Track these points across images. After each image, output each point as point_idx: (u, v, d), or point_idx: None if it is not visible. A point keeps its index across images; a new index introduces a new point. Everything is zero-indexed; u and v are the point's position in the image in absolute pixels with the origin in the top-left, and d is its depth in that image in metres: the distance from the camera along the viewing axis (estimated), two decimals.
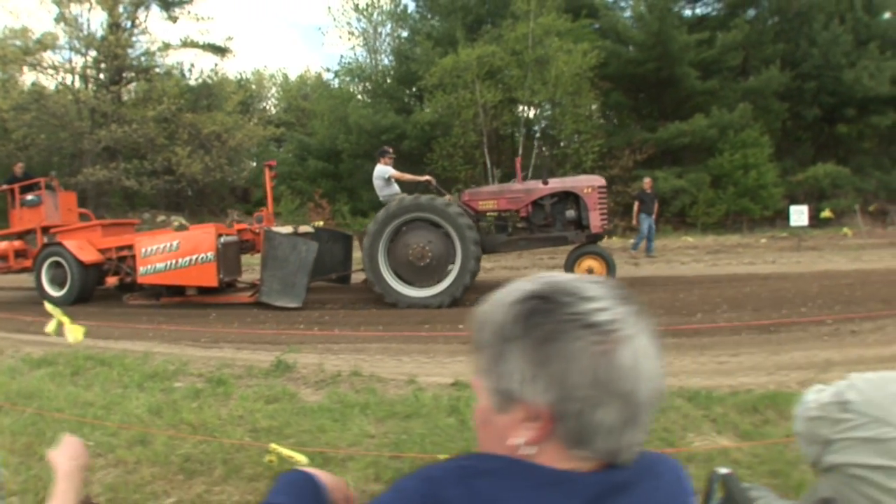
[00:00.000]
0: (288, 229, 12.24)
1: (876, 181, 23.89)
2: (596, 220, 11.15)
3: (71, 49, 27.05)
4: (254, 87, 36.21)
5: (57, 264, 12.95)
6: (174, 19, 29.59)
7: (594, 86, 22.18)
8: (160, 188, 25.82)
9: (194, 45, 29.61)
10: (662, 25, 21.33)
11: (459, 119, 20.97)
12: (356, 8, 27.24)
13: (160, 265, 11.99)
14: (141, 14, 28.60)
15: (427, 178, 11.90)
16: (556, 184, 11.40)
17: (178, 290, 12.51)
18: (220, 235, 11.88)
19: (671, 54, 21.90)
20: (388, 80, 24.46)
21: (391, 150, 12.58)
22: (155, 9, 29.84)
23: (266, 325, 10.72)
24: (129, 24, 28.32)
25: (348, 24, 30.43)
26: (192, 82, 30.22)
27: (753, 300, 10.72)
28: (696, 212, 22.02)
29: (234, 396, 6.36)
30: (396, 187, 11.60)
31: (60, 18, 26.17)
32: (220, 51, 30.24)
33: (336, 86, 27.19)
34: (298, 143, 26.93)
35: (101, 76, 27.54)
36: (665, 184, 21.43)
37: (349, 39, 33.45)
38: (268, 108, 36.42)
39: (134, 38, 28.49)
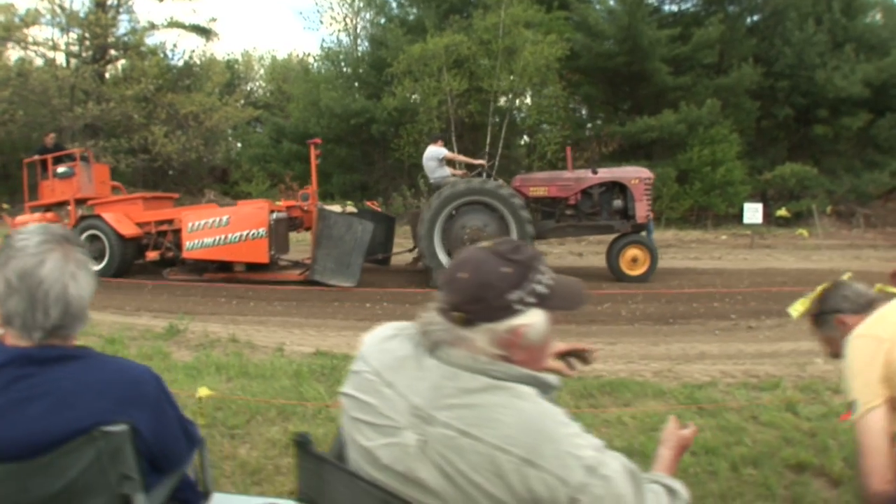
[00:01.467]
0: (337, 209, 12.28)
1: (849, 183, 23.88)
2: (642, 211, 11.56)
3: (54, 26, 27.31)
4: (242, 68, 36.32)
5: (94, 238, 12.58)
6: None
7: (563, 78, 22.28)
8: (137, 167, 25.99)
9: (179, 25, 29.82)
10: (632, 20, 21.36)
11: (424, 106, 21.04)
12: None
13: (208, 240, 11.79)
14: None
15: (481, 161, 12.41)
16: (605, 174, 11.84)
17: (224, 267, 12.33)
18: (271, 212, 11.78)
19: (642, 49, 21.92)
20: (362, 66, 24.53)
21: (443, 135, 12.76)
22: None
23: (192, 297, 11.05)
24: (115, 1, 28.55)
25: (331, 8, 30.59)
26: (176, 63, 30.44)
27: (671, 294, 10.88)
28: (660, 206, 22.05)
29: (116, 353, 6.66)
30: (448, 169, 11.86)
31: None
32: (204, 32, 30.43)
33: (316, 70, 27.25)
34: (273, 125, 27.10)
35: (83, 54, 27.75)
36: None
37: (330, 24, 33.33)
38: (254, 89, 36.51)
39: (119, 18, 28.72)
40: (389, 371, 1.53)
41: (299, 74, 27.75)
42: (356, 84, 24.10)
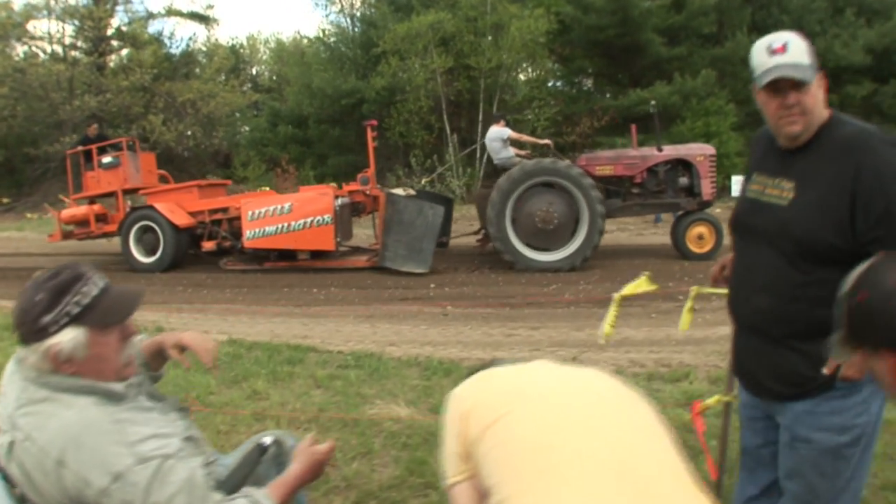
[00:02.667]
0: (400, 192, 12.07)
1: None
2: (707, 188, 11.54)
3: (51, 19, 27.52)
4: (247, 51, 36.40)
5: (147, 229, 12.42)
6: None
7: (553, 52, 22.03)
8: None
9: (177, 13, 29.95)
10: None
11: (411, 85, 20.94)
12: None
13: (270, 228, 11.57)
14: None
15: (547, 141, 12.35)
16: (670, 151, 11.86)
17: (286, 255, 12.14)
18: (335, 197, 11.61)
19: (633, 20, 21.57)
20: (352, 46, 24.47)
21: (506, 115, 12.71)
22: None
23: (153, 287, 11.14)
24: None
25: None
26: (174, 51, 30.57)
27: (629, 272, 10.72)
28: None
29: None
30: (512, 150, 11.76)
31: None
32: (203, 19, 30.53)
33: (312, 52, 27.24)
34: (269, 108, 27.15)
35: (81, 45, 28.00)
36: None
37: (326, 6, 33.24)
38: (260, 72, 36.56)
39: (117, 8, 28.90)
40: (5, 381, 1.85)
41: (294, 57, 27.67)
42: (346, 65, 23.95)
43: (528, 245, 11.08)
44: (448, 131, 21.68)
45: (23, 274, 12.77)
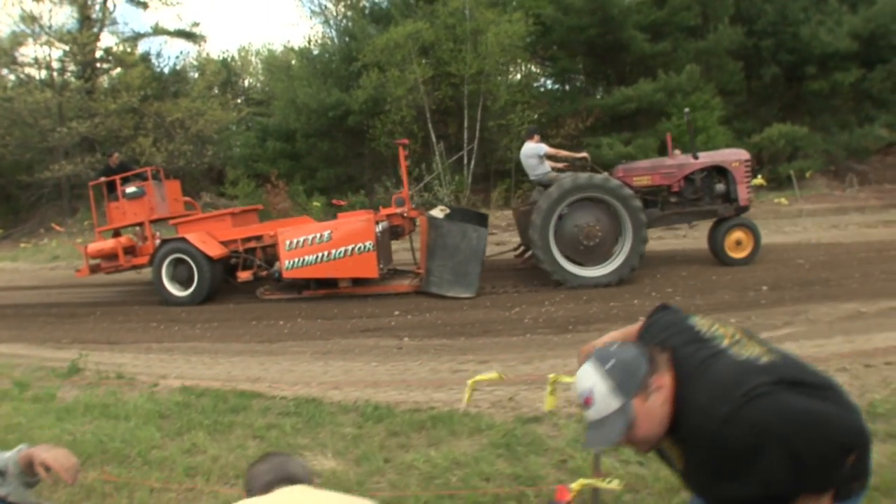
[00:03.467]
0: (438, 213, 11.93)
1: (844, 140, 23.12)
2: (743, 193, 11.61)
3: (41, 44, 27.67)
4: (239, 64, 36.43)
5: (179, 261, 12.11)
6: (144, 5, 29.98)
7: (535, 55, 21.96)
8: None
9: (164, 32, 30.02)
10: None
11: (392, 96, 20.93)
12: None
13: (309, 258, 11.30)
14: (110, 3, 29.12)
15: (584, 154, 12.26)
16: (706, 158, 11.81)
17: (326, 282, 11.85)
18: (376, 223, 11.39)
19: (613, 18, 21.46)
20: (334, 59, 24.46)
21: (538, 129, 12.71)
22: None
23: (128, 324, 11.23)
24: (99, 14, 28.83)
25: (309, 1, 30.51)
26: (164, 69, 30.65)
27: (595, 291, 10.71)
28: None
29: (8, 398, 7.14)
30: (548, 165, 11.69)
31: (26, 17, 26.71)
32: (190, 36, 30.60)
33: (295, 65, 27.26)
34: (258, 124, 27.24)
35: (70, 69, 28.15)
36: (610, 151, 21.09)
37: (310, 18, 33.21)
38: (252, 84, 36.57)
39: (106, 30, 29.05)
40: None
41: (281, 70, 27.70)
42: (329, 78, 23.95)
43: (571, 261, 11.05)
44: (434, 139, 21.62)
45: (11, 312, 12.87)
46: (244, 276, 12.20)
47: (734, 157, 11.82)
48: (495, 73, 21.27)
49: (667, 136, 13.20)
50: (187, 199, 15.00)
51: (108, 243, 13.19)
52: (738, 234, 11.54)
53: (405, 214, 12.12)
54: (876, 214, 17.39)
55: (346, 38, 24.83)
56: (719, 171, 11.74)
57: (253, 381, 7.42)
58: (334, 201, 17.77)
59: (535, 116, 21.56)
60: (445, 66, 21.20)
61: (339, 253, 11.14)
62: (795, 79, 24.24)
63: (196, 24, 33.87)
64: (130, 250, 13.15)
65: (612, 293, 10.41)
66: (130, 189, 13.20)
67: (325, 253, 11.20)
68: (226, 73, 33.48)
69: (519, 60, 22.08)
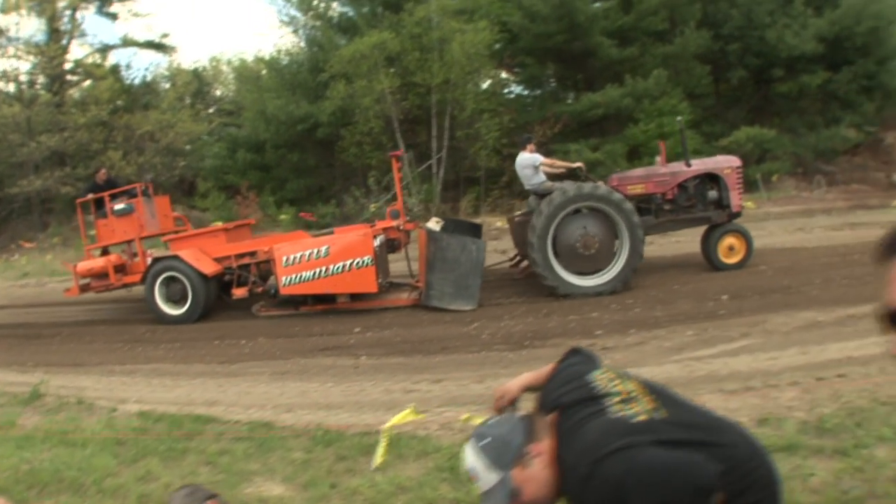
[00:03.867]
0: (434, 225, 11.65)
1: (811, 142, 23.38)
2: (736, 199, 11.63)
3: (8, 57, 27.49)
4: (210, 73, 36.28)
5: (172, 279, 11.81)
6: (113, 17, 29.83)
7: (502, 62, 22.04)
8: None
9: (134, 43, 29.87)
10: None
11: (359, 107, 20.93)
12: None
13: (307, 274, 11.00)
14: (79, 14, 28.94)
15: (579, 164, 12.01)
16: (699, 165, 11.80)
17: (323, 298, 11.57)
18: (374, 236, 11.14)
19: (579, 25, 21.57)
20: (302, 69, 24.45)
21: (533, 137, 12.52)
22: (93, 8, 29.86)
23: (94, 344, 11.17)
24: (68, 26, 28.65)
25: (278, 11, 30.47)
26: (134, 81, 30.50)
27: (555, 304, 10.75)
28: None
29: None
30: (543, 175, 11.50)
31: None
32: (160, 47, 30.47)
33: (264, 76, 27.21)
34: (228, 135, 27.21)
35: (40, 81, 27.96)
36: (579, 157, 21.20)
37: (279, 27, 33.18)
38: (224, 94, 36.43)
39: (75, 42, 28.87)
40: None
41: (250, 81, 27.64)
42: (298, 90, 23.92)
43: (569, 271, 11.00)
44: (403, 149, 21.63)
45: None
46: (239, 292, 11.92)
47: (726, 164, 11.87)
48: (462, 82, 21.27)
49: (660, 144, 13.23)
50: (177, 214, 14.73)
51: (98, 262, 12.89)
52: (730, 240, 11.61)
53: (401, 227, 11.98)
54: (842, 216, 17.48)
55: (314, 49, 24.76)
56: (711, 178, 11.77)
57: (210, 405, 7.38)
58: (302, 214, 17.73)
59: (501, 124, 21.63)
60: (412, 75, 21.23)
61: (338, 268, 10.94)
62: (763, 81, 24.49)
63: (165, 35, 33.60)
64: (121, 268, 12.83)
65: (571, 306, 10.40)
66: (119, 206, 12.72)
67: (323, 268, 10.97)
68: (197, 83, 33.35)
69: (485, 68, 22.03)
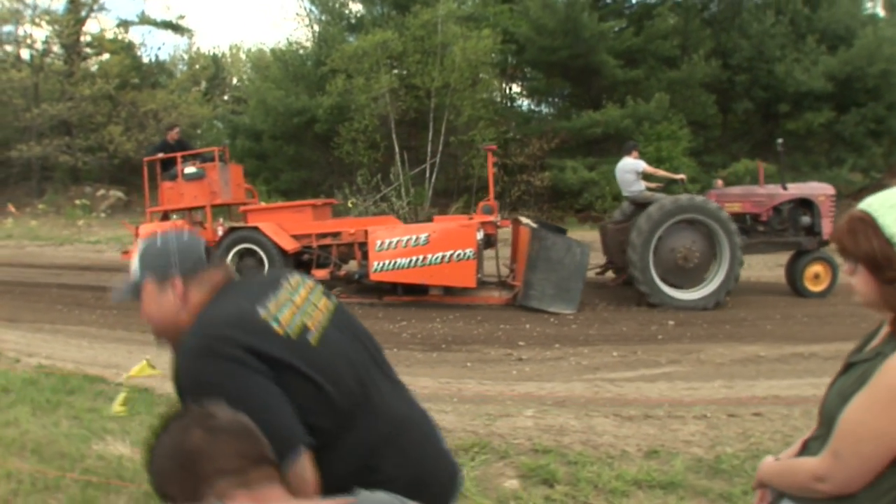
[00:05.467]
0: (532, 223, 11.35)
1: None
2: (828, 227, 11.48)
3: (26, 23, 27.74)
4: (230, 61, 36.53)
5: (246, 253, 11.05)
6: None
7: (505, 73, 21.95)
8: (97, 163, 26.29)
9: (151, 22, 30.07)
10: (570, 12, 20.82)
11: (355, 105, 20.91)
12: None
13: (402, 261, 10.44)
14: None
15: (682, 176, 12.17)
16: (794, 190, 11.77)
17: (413, 289, 11.04)
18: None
19: (585, 42, 21.38)
20: (308, 62, 24.50)
21: (638, 144, 12.58)
22: None
23: (41, 302, 11.32)
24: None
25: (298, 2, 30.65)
26: (147, 60, 30.72)
27: (490, 310, 10.60)
28: (602, 205, 21.42)
29: None
30: (643, 184, 11.51)
31: None
32: (177, 28, 30.68)
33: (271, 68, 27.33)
34: (230, 121, 27.30)
35: (55, 50, 28.22)
36: (574, 175, 21.08)
37: (295, 20, 33.37)
38: (241, 82, 36.68)
39: (93, 15, 29.11)
40: None
41: (256, 71, 27.76)
42: (300, 83, 23.98)
43: (663, 281, 10.83)
44: (398, 150, 21.57)
45: None
46: (320, 274, 11.06)
47: (821, 191, 11.80)
48: (461, 88, 21.17)
49: (759, 165, 13.16)
50: (249, 186, 13.85)
51: (164, 226, 11.54)
52: (816, 268, 11.47)
53: (498, 224, 11.53)
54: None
55: (322, 43, 24.81)
56: (805, 204, 11.69)
57: (106, 367, 7.41)
58: None
59: (497, 134, 21.52)
60: (412, 77, 21.19)
61: (436, 259, 10.34)
62: (770, 116, 24.20)
63: (182, 17, 33.82)
64: None
65: (511, 315, 10.23)
66: (189, 169, 11.89)
67: (421, 257, 10.40)
68: (214, 69, 33.53)
69: (485, 76, 21.94)
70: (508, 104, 24.91)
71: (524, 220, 11.90)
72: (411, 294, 11.06)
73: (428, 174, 21.79)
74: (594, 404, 6.18)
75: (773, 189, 11.76)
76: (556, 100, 25.33)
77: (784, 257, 14.60)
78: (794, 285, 11.59)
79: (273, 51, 27.06)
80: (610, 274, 12.38)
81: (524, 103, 26.58)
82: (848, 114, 22.99)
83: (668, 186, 12.83)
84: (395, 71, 21.48)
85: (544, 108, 25.79)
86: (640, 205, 11.16)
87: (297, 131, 23.31)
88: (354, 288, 11.65)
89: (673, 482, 4.26)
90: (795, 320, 9.81)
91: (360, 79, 20.80)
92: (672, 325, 9.61)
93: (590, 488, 4.20)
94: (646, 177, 11.76)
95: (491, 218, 11.31)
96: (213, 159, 12.16)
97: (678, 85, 22.67)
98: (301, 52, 25.75)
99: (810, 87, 22.05)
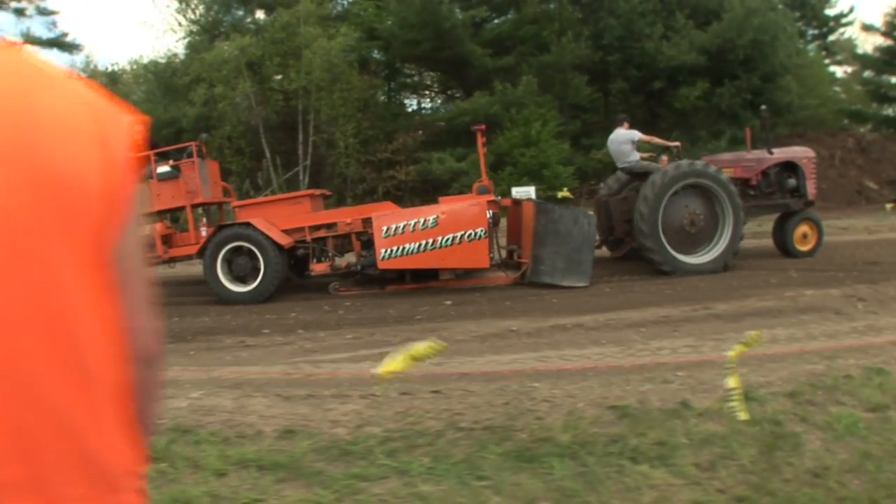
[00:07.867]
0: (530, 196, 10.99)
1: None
2: (812, 188, 11.84)
3: None
4: (129, 77, 36.08)
5: (238, 251, 10.30)
6: (20, 12, 29.48)
7: (365, 69, 21.75)
8: None
9: (36, 41, 29.54)
10: (428, 4, 20.64)
11: (216, 112, 20.71)
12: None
13: (410, 246, 9.84)
14: None
15: (676, 143, 11.84)
16: (780, 154, 11.92)
17: (421, 275, 10.50)
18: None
19: (447, 33, 21.24)
20: (178, 73, 24.24)
21: (627, 116, 12.10)
22: None
23: None
24: None
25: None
26: None
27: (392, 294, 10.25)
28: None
29: None
30: (637, 154, 11.25)
31: None
32: (65, 46, 30.22)
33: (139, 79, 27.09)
34: None
35: None
36: (441, 166, 20.91)
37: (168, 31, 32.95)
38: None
39: None
40: None
41: (129, 85, 27.49)
42: (168, 94, 23.76)
43: (673, 248, 10.71)
44: (268, 155, 21.40)
45: None
46: (320, 268, 10.64)
47: (803, 154, 12.10)
48: (319, 89, 21.00)
49: (747, 130, 13.03)
50: (224, 184, 12.85)
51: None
52: (804, 228, 11.73)
53: (499, 202, 11.14)
54: None
55: (193, 53, 24.57)
56: (790, 167, 11.91)
57: None
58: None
59: (359, 130, 21.37)
60: (269, 81, 21.01)
61: (447, 241, 9.78)
62: (650, 94, 24.17)
63: (65, 35, 33.14)
64: (167, 240, 11.09)
65: (424, 297, 9.94)
66: (162, 168, 10.94)
67: (431, 241, 9.80)
68: (108, 84, 33.13)
69: (345, 75, 21.76)
70: (373, 100, 24.56)
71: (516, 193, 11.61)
72: (419, 281, 10.56)
73: (301, 176, 21.62)
74: (272, 386, 5.79)
75: (761, 154, 11.89)
76: (430, 93, 25.13)
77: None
78: (784, 246, 11.80)
79: (145, 65, 26.75)
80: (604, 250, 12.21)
81: (399, 99, 26.31)
82: (723, 87, 23.05)
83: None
84: (257, 76, 21.15)
85: (416, 102, 25.52)
86: (636, 175, 11.11)
87: (167, 144, 23.04)
88: (353, 281, 11.02)
89: (283, 464, 3.75)
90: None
91: (220, 86, 20.54)
92: (449, 305, 9.31)
93: (187, 466, 3.93)
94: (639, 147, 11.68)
95: (491, 197, 10.66)
96: (190, 155, 11.15)
97: (550, 69, 22.55)
98: (173, 63, 25.42)
99: (681, 61, 22.03)
